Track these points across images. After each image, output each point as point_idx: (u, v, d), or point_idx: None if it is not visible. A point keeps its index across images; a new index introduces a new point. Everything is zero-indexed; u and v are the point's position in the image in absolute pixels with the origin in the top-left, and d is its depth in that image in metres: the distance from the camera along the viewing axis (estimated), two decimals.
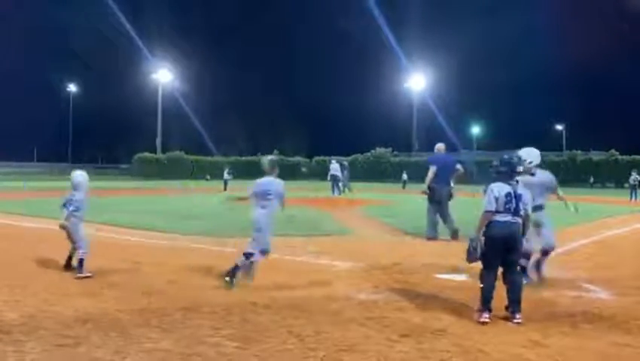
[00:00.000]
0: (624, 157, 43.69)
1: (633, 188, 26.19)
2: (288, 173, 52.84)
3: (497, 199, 4.95)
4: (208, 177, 39.23)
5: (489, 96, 71.56)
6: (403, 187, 35.39)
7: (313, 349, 4.12)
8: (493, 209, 4.96)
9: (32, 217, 13.05)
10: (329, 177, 26.72)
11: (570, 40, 67.00)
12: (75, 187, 6.78)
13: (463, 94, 68.42)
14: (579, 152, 47.75)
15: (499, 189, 5.00)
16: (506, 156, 5.21)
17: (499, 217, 4.95)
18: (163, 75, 59.50)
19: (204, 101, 68.56)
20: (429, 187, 10.40)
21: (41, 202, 16.69)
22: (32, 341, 4.17)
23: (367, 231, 11.48)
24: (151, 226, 11.30)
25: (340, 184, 26.08)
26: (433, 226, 10.38)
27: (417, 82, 57.66)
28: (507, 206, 4.95)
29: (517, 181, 5.11)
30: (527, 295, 5.18)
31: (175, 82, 62.57)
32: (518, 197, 4.99)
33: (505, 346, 4.25)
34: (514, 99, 73.08)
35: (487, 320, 4.80)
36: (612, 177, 42.72)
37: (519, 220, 5.01)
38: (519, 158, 5.42)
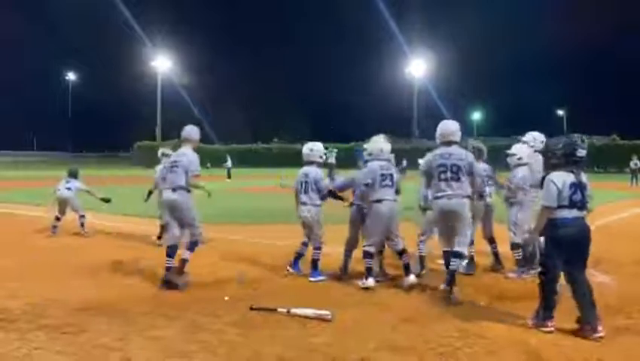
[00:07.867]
0: (626, 141, 43.59)
1: (633, 173, 26.01)
2: (288, 161, 52.96)
3: (560, 192, 4.16)
4: (209, 164, 39.20)
5: (489, 82, 71.29)
6: (403, 174, 35.35)
7: (315, 335, 4.16)
8: (555, 204, 4.18)
9: (31, 206, 13.09)
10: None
11: (570, 25, 66.61)
12: None
13: (463, 79, 68.10)
14: None
15: (561, 178, 4.21)
16: (565, 139, 4.36)
17: (565, 213, 4.18)
18: (162, 63, 59.21)
19: (203, 89, 68.36)
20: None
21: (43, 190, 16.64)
22: (36, 330, 4.20)
23: None
24: (156, 215, 11.25)
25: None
26: None
27: (418, 68, 57.33)
28: (573, 199, 4.18)
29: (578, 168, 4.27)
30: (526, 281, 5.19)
31: (174, 70, 62.32)
32: (584, 187, 4.26)
33: (506, 331, 4.28)
34: (515, 85, 72.73)
35: (553, 329, 4.26)
36: (614, 162, 42.57)
37: (586, 215, 4.30)
38: (583, 139, 4.35)
